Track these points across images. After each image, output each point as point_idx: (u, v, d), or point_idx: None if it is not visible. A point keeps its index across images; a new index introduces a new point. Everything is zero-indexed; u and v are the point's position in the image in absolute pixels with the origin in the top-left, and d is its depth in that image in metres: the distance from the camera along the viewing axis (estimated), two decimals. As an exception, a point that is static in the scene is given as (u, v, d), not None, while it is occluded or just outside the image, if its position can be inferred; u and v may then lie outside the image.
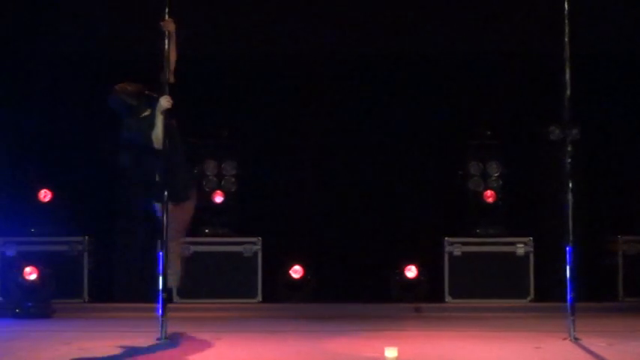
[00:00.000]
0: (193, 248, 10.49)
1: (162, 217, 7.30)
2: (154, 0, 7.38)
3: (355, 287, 10.81)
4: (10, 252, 10.43)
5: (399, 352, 6.23)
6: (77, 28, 11.04)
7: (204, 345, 7.21)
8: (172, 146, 7.31)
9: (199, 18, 10.68)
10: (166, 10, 7.31)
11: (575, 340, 7.19)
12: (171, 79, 7.29)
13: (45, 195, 10.67)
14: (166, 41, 7.27)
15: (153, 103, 7.36)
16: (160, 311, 7.26)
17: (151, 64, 7.55)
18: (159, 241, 7.46)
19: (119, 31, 10.98)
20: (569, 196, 7.42)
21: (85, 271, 10.50)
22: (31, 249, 10.46)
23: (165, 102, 7.23)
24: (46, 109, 10.98)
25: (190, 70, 7.35)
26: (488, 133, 10.98)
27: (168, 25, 7.27)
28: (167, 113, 7.25)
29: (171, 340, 7.22)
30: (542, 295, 10.47)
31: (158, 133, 7.26)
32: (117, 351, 6.85)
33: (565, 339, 7.24)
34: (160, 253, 7.39)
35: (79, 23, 11.04)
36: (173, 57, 7.29)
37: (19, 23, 11.06)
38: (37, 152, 10.92)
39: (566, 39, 7.45)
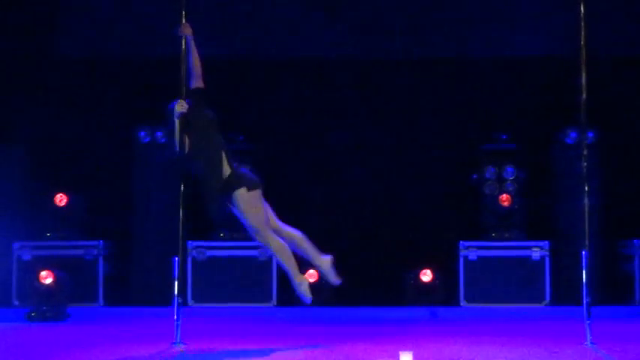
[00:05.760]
0: (208, 252, 10.51)
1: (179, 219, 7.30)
2: (172, 2, 7.40)
3: (370, 291, 10.79)
4: (26, 256, 10.47)
5: (413, 356, 6.22)
6: (93, 30, 11.08)
7: (219, 349, 7.21)
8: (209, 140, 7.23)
9: (214, 20, 10.71)
10: (183, 14, 7.31)
11: (592, 344, 7.16)
12: (200, 84, 7.24)
13: (61, 199, 10.70)
14: (183, 46, 7.26)
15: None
16: (175, 315, 7.27)
17: (168, 68, 7.57)
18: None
19: (136, 33, 11.01)
20: (585, 200, 7.39)
21: (101, 276, 10.53)
22: (47, 253, 10.49)
23: (178, 107, 7.21)
24: (63, 112, 11.01)
25: (205, 73, 7.33)
26: (504, 137, 10.96)
27: (185, 30, 7.26)
28: (182, 118, 7.22)
29: (186, 345, 7.22)
30: (558, 300, 10.44)
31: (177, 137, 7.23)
32: (132, 355, 6.85)
33: (581, 344, 7.20)
34: (176, 258, 7.40)
35: (95, 26, 11.08)
36: (196, 61, 7.23)
37: (34, 26, 11.11)
38: (53, 156, 10.95)
39: (582, 42, 7.42)
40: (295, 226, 11.11)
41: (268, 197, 11.04)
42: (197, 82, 7.23)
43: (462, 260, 10.55)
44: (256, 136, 11.04)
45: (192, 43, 7.21)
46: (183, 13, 7.30)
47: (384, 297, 10.66)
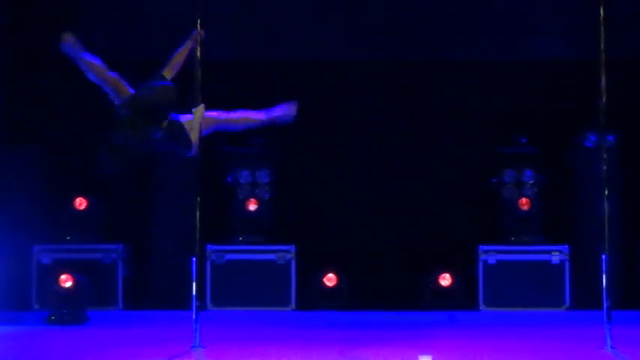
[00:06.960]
0: (227, 256, 10.51)
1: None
2: (189, 4, 7.43)
3: (389, 295, 10.78)
4: (46, 260, 10.51)
5: (433, 361, 6.21)
6: (113, 31, 11.11)
7: (237, 353, 7.21)
8: None
9: (232, 22, 10.73)
10: (198, 19, 7.33)
11: (612, 349, 7.12)
12: (171, 75, 7.11)
13: (80, 203, 10.73)
14: (198, 48, 7.29)
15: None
16: (194, 319, 7.28)
17: (184, 70, 7.58)
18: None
19: (155, 34, 11.04)
20: (605, 204, 7.36)
21: (120, 279, 10.55)
22: (67, 257, 10.51)
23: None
24: (83, 114, 11.04)
25: (222, 76, 7.35)
26: (523, 140, 10.92)
27: (197, 37, 7.28)
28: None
29: (205, 348, 7.23)
30: (577, 304, 10.39)
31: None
32: (151, 359, 6.87)
33: (601, 348, 7.17)
34: (194, 259, 7.41)
35: (115, 27, 11.11)
36: (182, 58, 7.15)
37: (54, 27, 11.14)
38: (73, 159, 10.98)
39: (601, 45, 7.40)
40: (312, 230, 11.15)
41: (284, 201, 11.08)
42: (170, 73, 7.06)
43: (481, 264, 10.51)
44: (275, 140, 11.04)
45: (191, 41, 7.18)
46: (198, 17, 7.33)
47: (402, 301, 10.64)
